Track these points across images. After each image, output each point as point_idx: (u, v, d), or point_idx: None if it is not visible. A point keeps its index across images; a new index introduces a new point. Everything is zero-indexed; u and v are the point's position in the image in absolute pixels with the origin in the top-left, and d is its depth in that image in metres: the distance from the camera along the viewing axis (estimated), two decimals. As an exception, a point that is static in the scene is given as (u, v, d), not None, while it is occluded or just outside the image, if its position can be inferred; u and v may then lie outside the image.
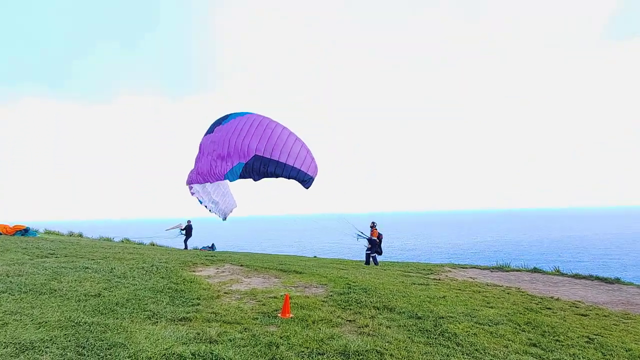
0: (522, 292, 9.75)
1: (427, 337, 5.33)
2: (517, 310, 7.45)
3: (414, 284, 10.07)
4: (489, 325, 6.12)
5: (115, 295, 6.21)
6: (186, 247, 19.34)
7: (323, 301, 7.17)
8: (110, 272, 8.06)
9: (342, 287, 8.46)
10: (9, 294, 5.65)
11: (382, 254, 16.70)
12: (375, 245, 15.89)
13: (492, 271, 15.40)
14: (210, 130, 9.24)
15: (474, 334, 5.60)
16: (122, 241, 22.23)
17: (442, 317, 6.40)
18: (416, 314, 6.49)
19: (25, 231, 16.30)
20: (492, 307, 7.57)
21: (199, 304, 6.33)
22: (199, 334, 4.66)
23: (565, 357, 4.94)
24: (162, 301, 6.22)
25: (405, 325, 5.84)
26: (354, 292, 7.91)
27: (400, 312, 6.60)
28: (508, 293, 9.50)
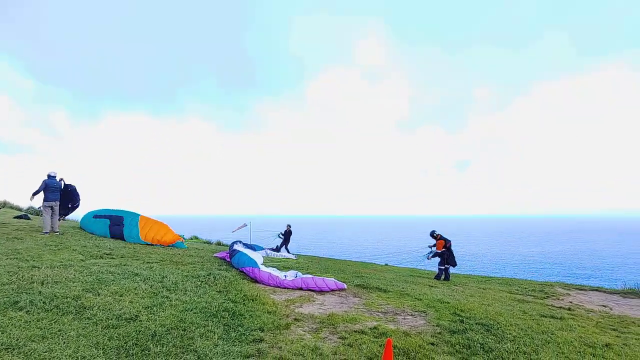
0: None
1: None
2: None
3: (543, 316, 7.41)
4: None
5: (155, 320, 4.68)
6: (278, 251, 19.07)
7: (432, 343, 5.00)
8: (161, 281, 6.70)
9: (450, 320, 6.20)
10: (26, 312, 4.36)
11: (457, 265, 13.86)
12: (444, 257, 13.19)
13: (624, 297, 11.89)
14: None
15: None
16: (191, 238, 22.03)
17: (644, 394, 3.91)
18: (594, 383, 4.08)
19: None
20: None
21: (261, 340, 4.56)
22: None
23: None
24: (214, 332, 4.55)
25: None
26: (472, 330, 5.61)
27: (563, 376, 4.23)
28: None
